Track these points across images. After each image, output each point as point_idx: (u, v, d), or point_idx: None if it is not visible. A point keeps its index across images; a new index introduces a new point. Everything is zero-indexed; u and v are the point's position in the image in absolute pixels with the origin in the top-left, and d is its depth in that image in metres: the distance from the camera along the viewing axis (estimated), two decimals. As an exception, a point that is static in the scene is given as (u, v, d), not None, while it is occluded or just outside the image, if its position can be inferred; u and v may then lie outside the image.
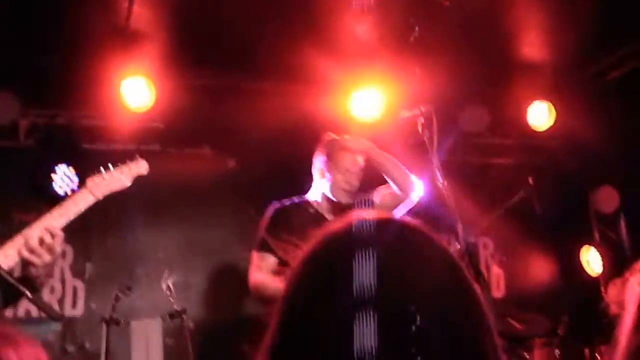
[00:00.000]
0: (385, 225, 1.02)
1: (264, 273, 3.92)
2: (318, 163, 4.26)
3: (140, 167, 3.49)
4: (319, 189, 4.20)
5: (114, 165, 3.35)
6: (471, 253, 2.42)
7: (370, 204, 3.99)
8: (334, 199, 4.10)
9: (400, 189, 4.06)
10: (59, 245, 2.82)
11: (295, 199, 4.21)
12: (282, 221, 3.94)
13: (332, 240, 1.02)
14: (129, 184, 3.38)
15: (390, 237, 1.00)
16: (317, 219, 3.91)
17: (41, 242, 2.77)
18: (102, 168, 3.28)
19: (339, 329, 0.93)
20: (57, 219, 2.93)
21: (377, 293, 0.93)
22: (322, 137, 4.40)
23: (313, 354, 0.94)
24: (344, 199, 4.07)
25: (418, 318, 0.92)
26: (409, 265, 0.98)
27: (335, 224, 1.04)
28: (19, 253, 2.75)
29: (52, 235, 2.79)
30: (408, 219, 1.06)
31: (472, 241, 2.49)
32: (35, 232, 2.78)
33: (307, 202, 4.14)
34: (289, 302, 1.01)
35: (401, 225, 1.04)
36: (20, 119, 5.80)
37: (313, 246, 1.03)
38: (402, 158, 3.99)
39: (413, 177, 4.04)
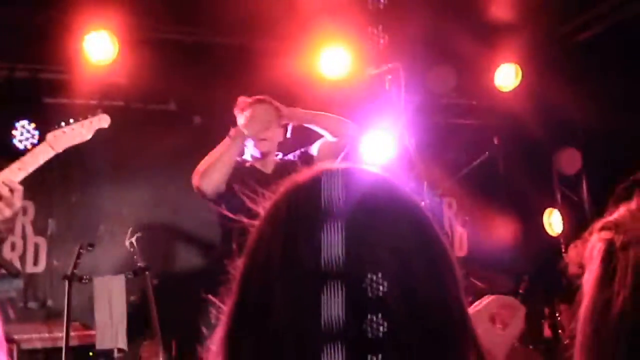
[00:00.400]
0: (351, 177, 1.01)
1: None
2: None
3: (102, 120, 3.46)
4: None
5: (75, 119, 3.25)
6: (435, 211, 2.42)
7: (309, 160, 3.96)
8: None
9: (335, 135, 4.05)
10: (18, 199, 2.76)
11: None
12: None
13: (296, 194, 1.01)
14: (89, 137, 3.37)
15: (355, 191, 0.98)
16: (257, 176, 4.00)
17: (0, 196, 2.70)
18: (62, 122, 3.20)
19: (298, 293, 0.92)
20: (15, 173, 2.90)
21: (341, 255, 0.92)
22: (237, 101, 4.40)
23: (272, 318, 0.93)
24: (267, 168, 4.11)
25: (384, 283, 0.92)
26: (373, 225, 0.97)
27: (300, 175, 1.02)
28: None
29: (11, 190, 2.73)
30: (376, 170, 1.04)
31: (436, 200, 2.50)
32: None
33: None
34: (250, 258, 1.00)
35: (369, 178, 1.03)
36: (-22, 72, 5.66)
37: (276, 199, 1.01)
38: (369, 115, 3.96)
39: (345, 120, 4.01)
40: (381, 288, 0.91)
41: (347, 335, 0.89)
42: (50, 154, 3.16)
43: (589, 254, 1.42)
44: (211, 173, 3.94)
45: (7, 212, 2.71)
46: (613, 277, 1.33)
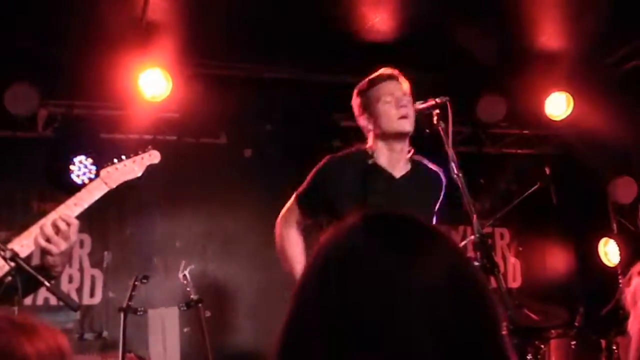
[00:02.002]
0: (393, 225, 1.03)
1: (289, 226, 3.61)
2: (356, 112, 3.50)
3: (153, 157, 3.52)
4: (371, 140, 3.44)
5: (127, 156, 3.39)
6: (485, 244, 2.42)
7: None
8: (391, 133, 3.30)
9: None
10: (74, 233, 2.84)
11: (353, 149, 3.51)
12: (333, 174, 3.35)
13: (342, 240, 1.04)
14: (140, 173, 3.43)
15: (398, 239, 1.01)
16: (371, 170, 3.30)
17: (57, 230, 2.79)
18: (115, 158, 3.33)
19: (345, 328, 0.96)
20: (71, 208, 2.98)
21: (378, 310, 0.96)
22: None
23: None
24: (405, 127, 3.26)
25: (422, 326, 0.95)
26: (414, 269, 0.99)
27: (347, 221, 1.06)
28: (35, 242, 2.77)
29: (67, 224, 2.80)
30: (414, 216, 1.07)
31: (485, 232, 2.49)
32: (50, 220, 2.80)
33: (365, 153, 3.38)
34: (301, 297, 1.03)
35: (410, 225, 1.05)
36: (39, 110, 5.84)
37: (324, 245, 1.04)
38: (416, 149, 3.93)
39: None
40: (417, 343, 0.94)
41: None
42: (104, 189, 3.23)
43: (631, 297, 1.40)
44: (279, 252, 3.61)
45: (64, 246, 2.80)
46: None
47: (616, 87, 6.30)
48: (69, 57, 5.45)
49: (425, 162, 3.41)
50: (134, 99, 5.77)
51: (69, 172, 5.78)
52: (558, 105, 6.55)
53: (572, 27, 5.82)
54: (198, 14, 5.22)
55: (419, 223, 1.05)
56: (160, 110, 6.05)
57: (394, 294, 0.95)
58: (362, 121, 3.35)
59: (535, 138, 7.15)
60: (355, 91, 3.38)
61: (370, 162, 3.16)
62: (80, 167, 5.82)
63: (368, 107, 3.29)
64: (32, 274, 2.56)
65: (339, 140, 6.69)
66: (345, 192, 3.18)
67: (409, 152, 3.34)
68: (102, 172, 3.29)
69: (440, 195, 3.35)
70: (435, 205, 3.36)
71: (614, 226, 7.06)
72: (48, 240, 2.78)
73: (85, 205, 3.10)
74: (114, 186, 3.27)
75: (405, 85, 3.29)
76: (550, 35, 5.92)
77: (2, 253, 2.57)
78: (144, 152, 3.48)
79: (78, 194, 3.10)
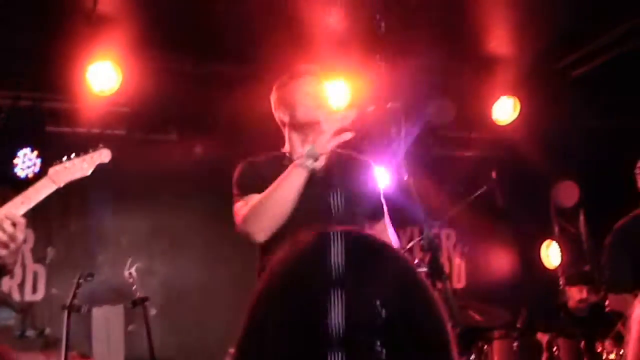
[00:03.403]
0: (346, 237, 1.07)
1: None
2: (274, 106, 3.32)
3: (103, 155, 3.44)
4: (286, 136, 3.30)
5: (76, 153, 3.31)
6: (433, 245, 2.45)
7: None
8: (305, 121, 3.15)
9: None
10: (21, 232, 2.76)
11: (269, 154, 3.35)
12: (253, 174, 3.15)
13: (296, 258, 1.07)
14: (90, 172, 3.35)
15: (353, 248, 1.04)
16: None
17: (3, 230, 2.73)
18: (64, 156, 3.25)
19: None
20: (18, 207, 2.91)
21: (346, 294, 0.98)
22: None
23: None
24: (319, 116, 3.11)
25: (383, 312, 0.97)
26: (371, 270, 1.02)
27: (302, 237, 1.10)
28: None
29: (14, 224, 2.72)
30: (362, 230, 1.12)
31: (434, 233, 2.52)
32: None
33: (282, 155, 3.25)
34: (250, 317, 1.06)
35: (359, 237, 1.09)
36: (-18, 100, 5.71)
37: (277, 263, 1.08)
38: (367, 149, 3.94)
39: None
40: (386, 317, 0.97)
41: None
42: (52, 188, 3.15)
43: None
44: (273, 216, 2.93)
45: (12, 246, 2.74)
46: None
47: (564, 92, 6.47)
48: (16, 47, 5.33)
49: (346, 151, 3.21)
50: (82, 91, 5.67)
51: (12, 165, 5.65)
52: (505, 110, 6.69)
53: (521, 33, 5.94)
54: (149, 7, 5.15)
55: (367, 240, 1.09)
56: (110, 104, 5.96)
57: (348, 308, 0.98)
58: (278, 115, 3.28)
59: (482, 141, 7.28)
60: (275, 86, 3.31)
61: (285, 162, 3.06)
62: (25, 160, 5.70)
63: (285, 100, 3.24)
64: None
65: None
66: None
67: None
68: (51, 170, 3.20)
69: (372, 180, 3.16)
70: (369, 191, 3.14)
71: (556, 229, 7.25)
72: None
73: (32, 204, 3.00)
74: (62, 185, 3.18)
75: (324, 82, 3.21)
76: (500, 40, 6.03)
77: None
78: (94, 150, 3.40)
79: (25, 192, 3.01)
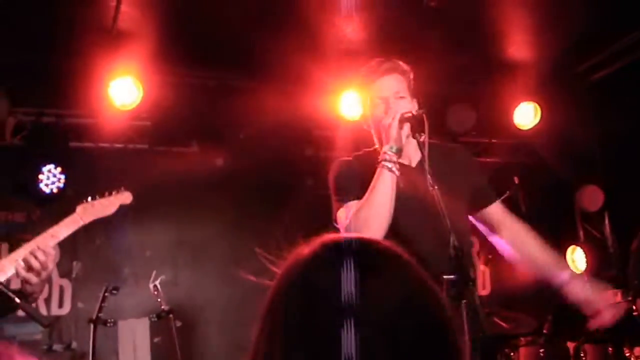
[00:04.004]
0: (349, 250, 1.08)
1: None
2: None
3: (125, 197, 3.97)
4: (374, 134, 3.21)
5: (101, 194, 3.82)
6: (460, 258, 2.44)
7: None
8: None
9: None
10: (51, 262, 3.06)
11: (361, 152, 3.28)
12: (349, 175, 3.10)
13: (303, 266, 1.08)
14: (112, 212, 3.86)
15: (355, 259, 1.06)
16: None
17: (36, 258, 2.99)
18: (90, 196, 3.76)
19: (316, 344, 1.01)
20: (48, 239, 3.26)
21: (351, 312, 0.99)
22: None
23: None
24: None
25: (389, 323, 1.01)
26: (378, 279, 1.04)
27: (304, 249, 1.11)
28: (17, 271, 2.99)
29: (45, 254, 3.02)
30: (374, 239, 1.13)
31: (461, 245, 2.51)
32: (29, 251, 3.05)
33: (374, 152, 3.14)
34: (262, 326, 1.08)
35: (369, 248, 1.10)
36: (7, 118, 5.78)
37: (286, 269, 1.10)
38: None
39: None
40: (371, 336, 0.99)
41: None
42: (79, 224, 3.58)
43: None
44: (380, 220, 2.87)
45: (43, 275, 2.99)
46: None
47: (584, 96, 6.42)
48: (39, 65, 5.41)
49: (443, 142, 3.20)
50: (104, 107, 5.73)
51: (37, 181, 5.72)
52: (526, 115, 6.65)
53: (541, 38, 5.91)
54: (169, 22, 5.21)
55: (373, 247, 1.10)
56: (132, 118, 6.02)
57: (353, 317, 0.99)
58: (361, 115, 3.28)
59: (504, 147, 7.24)
60: (356, 83, 3.26)
61: (379, 159, 3.01)
62: (49, 176, 5.76)
63: (362, 103, 3.20)
64: (7, 295, 2.67)
65: (311, 149, 6.72)
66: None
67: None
68: (79, 208, 3.64)
69: (474, 172, 3.19)
70: (469, 186, 3.13)
71: (581, 234, 7.17)
72: (29, 269, 2.99)
73: (61, 238, 3.42)
74: (87, 222, 3.63)
75: (399, 79, 3.06)
76: (519, 45, 6.01)
77: None
78: (117, 192, 3.90)
79: (54, 227, 3.40)
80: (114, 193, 3.86)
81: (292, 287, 1.08)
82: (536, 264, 3.22)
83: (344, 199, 3.02)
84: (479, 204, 3.19)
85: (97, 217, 3.69)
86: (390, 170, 2.85)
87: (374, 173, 2.91)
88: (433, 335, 1.04)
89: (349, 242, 1.10)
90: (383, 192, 2.87)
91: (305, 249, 1.12)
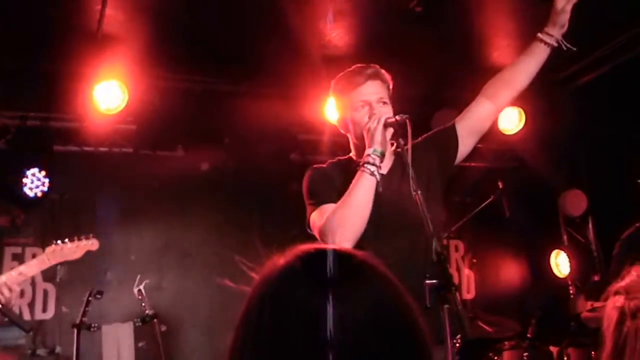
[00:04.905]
0: (321, 263, 1.09)
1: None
2: (333, 110, 3.31)
3: (92, 245, 4.34)
4: (351, 142, 3.17)
5: (70, 238, 4.21)
6: (442, 263, 2.45)
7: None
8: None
9: None
10: (15, 298, 3.60)
11: (336, 160, 3.24)
12: (324, 181, 3.07)
13: (276, 278, 1.10)
14: (79, 256, 4.22)
15: (327, 270, 1.07)
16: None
17: (1, 294, 3.51)
18: (59, 240, 4.14)
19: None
20: (16, 277, 3.70)
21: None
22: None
23: None
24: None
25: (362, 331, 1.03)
26: (354, 289, 1.06)
27: (279, 260, 1.12)
28: None
29: (10, 291, 3.53)
30: (344, 251, 1.13)
31: (442, 245, 2.53)
32: None
33: (349, 160, 3.14)
34: (240, 329, 1.09)
35: (341, 258, 1.11)
36: (-10, 121, 5.75)
37: (260, 281, 1.11)
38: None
39: None
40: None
41: None
42: (47, 264, 4.00)
43: (606, 322, 1.46)
44: (357, 222, 2.82)
45: (8, 306, 3.50)
46: (624, 347, 1.37)
47: (569, 101, 6.46)
48: (23, 68, 5.38)
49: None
50: (89, 111, 5.71)
51: (21, 185, 5.68)
52: (510, 120, 6.69)
53: (524, 43, 5.94)
54: (154, 26, 5.19)
55: (347, 259, 1.10)
56: (117, 122, 6.00)
57: (321, 329, 1.01)
58: (338, 123, 3.21)
59: (488, 152, 7.28)
60: (332, 89, 3.18)
61: (354, 167, 2.94)
62: (33, 180, 5.73)
63: (341, 111, 3.13)
64: None
65: (297, 154, 6.72)
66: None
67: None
68: (48, 250, 4.00)
69: (445, 149, 3.11)
70: (443, 170, 3.12)
71: (565, 238, 7.22)
72: None
73: (29, 275, 3.87)
74: (54, 263, 4.05)
75: (379, 83, 3.05)
76: (503, 50, 6.04)
77: None
78: (86, 238, 4.27)
79: (22, 267, 3.81)
80: (83, 239, 4.24)
81: (265, 299, 1.09)
82: (524, 67, 3.22)
83: (318, 202, 3.00)
84: (453, 153, 3.15)
85: (64, 259, 4.11)
86: (371, 173, 2.85)
87: (348, 180, 2.89)
88: (404, 349, 1.05)
89: (323, 254, 1.10)
90: (362, 194, 2.84)
91: (279, 260, 1.12)
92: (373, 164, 2.84)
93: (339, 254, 1.10)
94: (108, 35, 5.22)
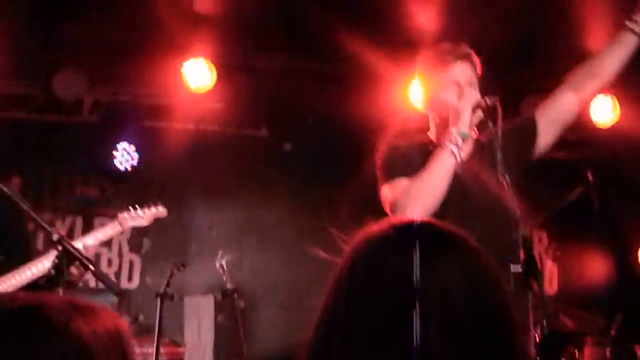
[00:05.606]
0: (415, 233, 1.10)
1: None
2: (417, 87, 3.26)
3: (161, 212, 4.49)
4: (432, 121, 3.09)
5: (140, 206, 4.34)
6: (527, 244, 2.39)
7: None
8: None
9: None
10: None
11: (413, 138, 3.15)
12: (399, 159, 2.97)
13: (369, 245, 1.12)
14: (147, 224, 4.39)
15: (424, 241, 1.07)
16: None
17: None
18: (131, 206, 4.29)
19: (382, 321, 1.04)
20: (91, 240, 3.94)
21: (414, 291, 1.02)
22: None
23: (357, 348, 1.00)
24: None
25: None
26: (446, 261, 1.05)
27: (371, 229, 1.13)
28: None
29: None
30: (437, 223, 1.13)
31: (527, 233, 2.46)
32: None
33: (427, 140, 3.05)
34: (332, 296, 1.10)
35: (433, 230, 1.11)
36: (85, 95, 5.95)
37: (353, 249, 1.12)
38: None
39: None
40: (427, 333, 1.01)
41: None
42: (118, 230, 4.19)
43: None
44: (429, 198, 2.75)
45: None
46: None
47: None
48: (117, 45, 5.54)
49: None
50: (178, 88, 5.84)
51: (112, 158, 5.88)
52: (604, 110, 6.44)
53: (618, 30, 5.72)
54: (244, 5, 5.25)
55: (439, 230, 1.10)
56: (204, 100, 6.12)
57: (411, 295, 1.02)
58: (423, 99, 3.12)
59: (579, 143, 7.05)
60: (419, 67, 3.07)
61: (430, 148, 2.88)
62: (123, 154, 5.92)
63: (430, 88, 3.03)
64: (78, 258, 2.74)
65: (380, 138, 6.69)
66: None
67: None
68: (120, 216, 4.18)
69: (524, 141, 2.99)
70: (519, 163, 2.98)
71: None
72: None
73: (104, 240, 4.14)
74: (126, 229, 4.26)
75: (470, 66, 2.96)
76: (597, 36, 5.83)
77: (51, 236, 2.80)
78: (155, 206, 4.40)
79: (96, 232, 4.10)
80: (152, 206, 4.38)
81: (357, 265, 1.10)
82: (612, 58, 2.99)
83: (390, 176, 2.91)
84: (531, 146, 3.02)
85: (134, 225, 4.27)
86: (452, 153, 2.76)
87: (424, 161, 2.81)
88: (493, 320, 1.05)
89: (417, 224, 1.11)
90: (440, 171, 2.76)
91: (373, 229, 1.13)
92: (455, 144, 2.77)
93: (432, 226, 1.11)
94: (199, 13, 5.31)
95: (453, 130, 2.78)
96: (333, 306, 1.10)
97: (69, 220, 6.18)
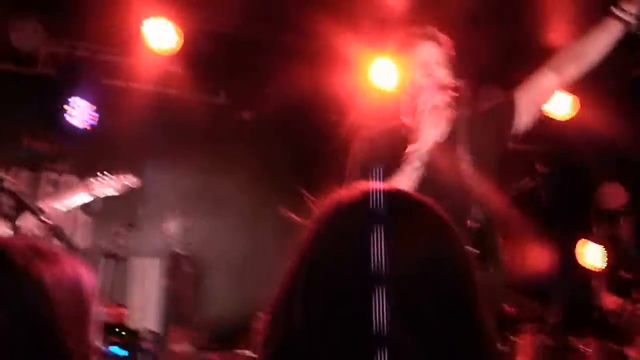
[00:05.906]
0: (389, 197, 1.08)
1: None
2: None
3: (132, 182, 4.45)
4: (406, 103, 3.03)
5: (111, 173, 4.31)
6: (486, 231, 2.42)
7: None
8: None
9: None
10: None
11: (384, 125, 3.12)
12: (371, 156, 2.95)
13: (342, 211, 1.11)
14: (117, 193, 4.35)
15: (394, 207, 1.07)
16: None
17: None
18: (101, 172, 4.25)
19: (345, 294, 1.03)
20: (60, 203, 3.95)
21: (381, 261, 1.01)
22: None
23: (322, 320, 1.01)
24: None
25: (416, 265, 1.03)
26: (410, 225, 1.05)
27: (345, 195, 1.11)
28: None
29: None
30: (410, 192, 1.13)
31: (487, 217, 2.49)
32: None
33: (399, 125, 3.01)
34: (299, 266, 1.08)
35: (403, 197, 1.10)
36: (41, 47, 5.79)
37: (325, 214, 1.11)
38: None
39: None
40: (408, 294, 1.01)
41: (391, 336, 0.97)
42: (87, 197, 4.17)
43: None
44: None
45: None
46: None
47: (624, 92, 6.32)
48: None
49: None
50: (139, 48, 5.72)
51: (64, 112, 5.74)
52: (561, 105, 6.56)
53: (581, 28, 5.80)
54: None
55: (410, 198, 1.12)
56: (164, 62, 6.01)
57: (373, 265, 1.01)
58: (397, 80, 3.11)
59: (533, 135, 7.15)
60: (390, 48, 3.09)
61: (403, 133, 2.86)
62: (76, 109, 5.78)
63: (401, 68, 3.03)
64: (28, 207, 2.81)
65: (337, 115, 6.69)
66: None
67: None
68: (90, 181, 4.18)
69: (501, 123, 2.95)
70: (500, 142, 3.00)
71: (597, 230, 7.12)
72: None
73: (71, 207, 4.08)
74: (96, 196, 4.22)
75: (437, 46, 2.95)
76: (559, 33, 5.91)
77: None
78: (125, 174, 4.37)
79: (69, 192, 4.09)
80: (122, 174, 4.34)
81: (326, 230, 1.10)
82: (595, 42, 3.04)
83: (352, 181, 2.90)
84: (509, 126, 2.99)
85: (104, 193, 4.25)
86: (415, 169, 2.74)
87: (396, 149, 2.79)
88: (453, 300, 1.04)
89: (384, 191, 1.10)
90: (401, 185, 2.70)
91: (342, 194, 1.12)
92: (413, 167, 2.75)
93: (399, 192, 1.10)
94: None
95: (412, 149, 2.76)
96: (298, 269, 1.09)
97: (14, 171, 6.02)
